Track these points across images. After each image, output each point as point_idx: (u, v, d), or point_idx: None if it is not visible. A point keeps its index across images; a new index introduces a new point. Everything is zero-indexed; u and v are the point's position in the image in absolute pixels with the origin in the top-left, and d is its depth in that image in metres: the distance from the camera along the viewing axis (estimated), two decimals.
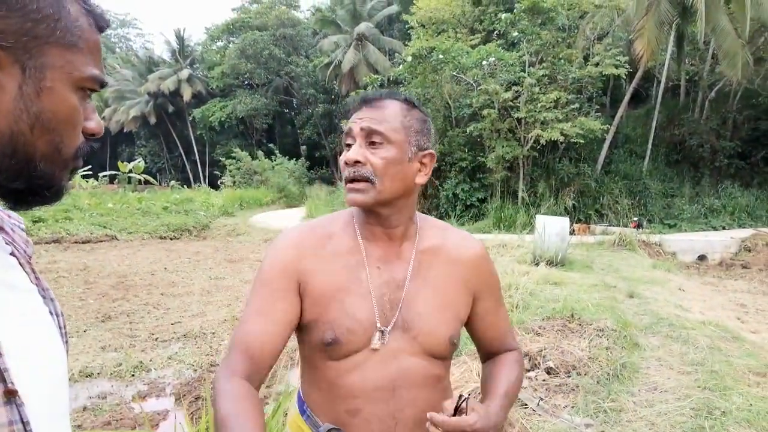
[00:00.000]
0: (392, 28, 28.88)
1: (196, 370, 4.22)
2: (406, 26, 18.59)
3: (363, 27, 25.88)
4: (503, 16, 13.43)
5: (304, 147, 31.96)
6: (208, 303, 6.15)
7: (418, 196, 1.05)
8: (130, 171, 22.29)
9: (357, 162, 0.96)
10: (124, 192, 19.15)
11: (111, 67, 39.71)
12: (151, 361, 4.39)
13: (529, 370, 3.57)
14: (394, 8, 26.83)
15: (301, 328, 1.00)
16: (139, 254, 9.23)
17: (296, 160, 27.39)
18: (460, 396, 0.89)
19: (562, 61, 12.61)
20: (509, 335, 1.16)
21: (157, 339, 4.96)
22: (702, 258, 10.17)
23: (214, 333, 5.08)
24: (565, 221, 8.13)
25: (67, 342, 0.66)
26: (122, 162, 24.41)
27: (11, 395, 0.51)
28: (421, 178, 0.99)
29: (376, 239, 1.02)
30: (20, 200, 0.57)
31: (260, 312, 0.93)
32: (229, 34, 33.20)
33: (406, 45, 17.26)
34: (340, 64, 25.84)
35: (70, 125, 0.57)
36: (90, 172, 24.23)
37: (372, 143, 0.97)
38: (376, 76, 20.89)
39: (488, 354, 1.17)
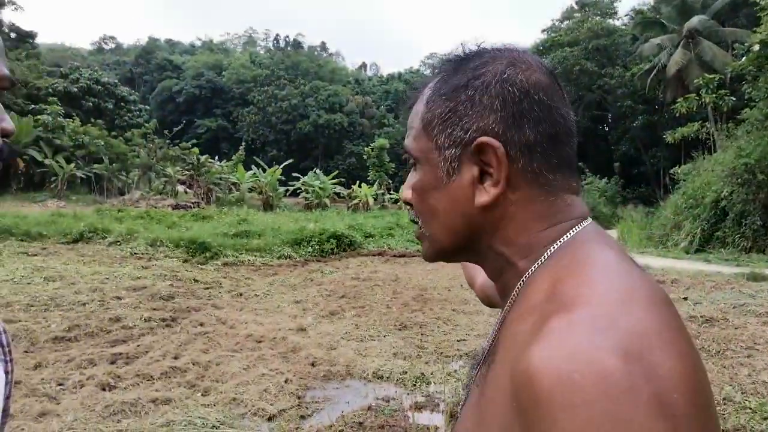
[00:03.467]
0: (736, 15, 23.84)
1: None
2: (755, 9, 14.97)
3: (695, 21, 22.22)
4: None
5: (617, 164, 29.33)
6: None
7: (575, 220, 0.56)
8: None
9: (405, 201, 0.67)
10: None
11: None
12: (432, 374, 4.57)
13: None
14: None
15: None
16: (441, 270, 9.95)
17: (608, 179, 25.36)
18: None
19: None
20: None
21: (441, 353, 5.15)
22: None
23: None
24: None
25: (10, 360, 0.61)
26: None
27: None
28: (482, 195, 0.57)
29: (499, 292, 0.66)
30: None
31: None
32: (540, 55, 33.28)
33: (755, 32, 13.88)
34: (664, 68, 22.87)
35: None
36: None
37: (413, 166, 0.65)
38: (712, 76, 17.55)
39: None
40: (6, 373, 0.61)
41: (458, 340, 5.57)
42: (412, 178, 0.63)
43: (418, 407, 4.00)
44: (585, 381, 0.39)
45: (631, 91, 27.60)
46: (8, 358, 0.63)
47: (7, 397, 0.62)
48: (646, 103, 27.63)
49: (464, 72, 0.59)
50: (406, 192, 0.66)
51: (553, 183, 0.57)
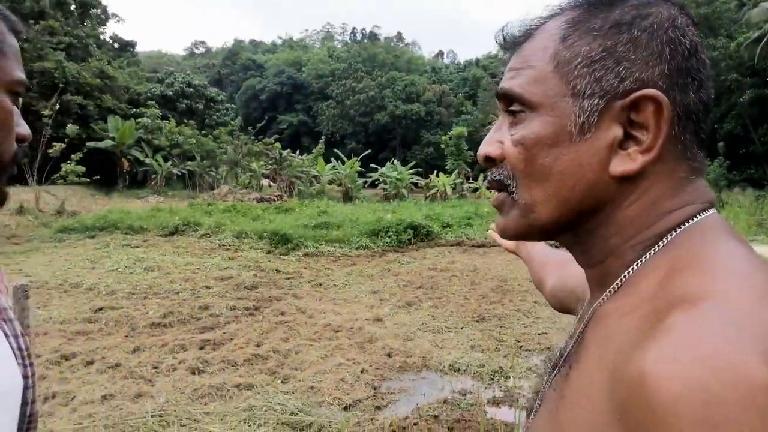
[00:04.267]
0: None
1: None
2: None
3: None
4: None
5: (721, 143, 26.73)
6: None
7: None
8: None
9: (487, 159, 0.53)
10: None
11: None
12: (511, 368, 4.40)
13: None
14: None
15: None
16: (521, 260, 9.61)
17: (711, 160, 23.25)
18: None
19: None
20: None
21: (521, 347, 4.96)
22: None
23: None
24: None
25: (31, 364, 0.61)
26: None
27: None
28: (625, 162, 0.46)
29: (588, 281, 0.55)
30: None
31: None
32: None
33: None
34: None
35: (6, 130, 0.58)
36: None
37: (513, 117, 0.51)
38: None
39: None
40: (25, 377, 0.61)
41: (539, 333, 5.34)
42: (519, 129, 0.49)
43: (496, 402, 3.88)
44: (725, 392, 0.31)
45: (737, 63, 24.97)
46: (27, 362, 0.62)
47: (31, 402, 0.62)
48: (755, 75, 24.87)
49: (623, 8, 0.47)
50: (495, 146, 0.52)
51: (697, 159, 0.48)
